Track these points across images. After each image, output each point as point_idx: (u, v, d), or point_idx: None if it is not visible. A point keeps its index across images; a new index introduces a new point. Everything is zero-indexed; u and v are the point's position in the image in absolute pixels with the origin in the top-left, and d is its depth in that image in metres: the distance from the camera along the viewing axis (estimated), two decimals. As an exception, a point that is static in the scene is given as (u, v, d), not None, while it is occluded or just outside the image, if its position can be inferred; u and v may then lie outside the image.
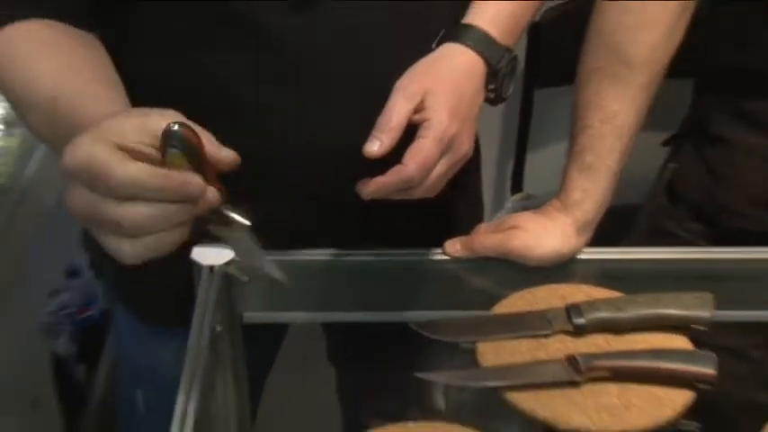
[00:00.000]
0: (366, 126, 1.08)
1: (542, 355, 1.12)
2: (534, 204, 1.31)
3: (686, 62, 1.28)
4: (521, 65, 1.26)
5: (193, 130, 0.82)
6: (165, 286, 1.14)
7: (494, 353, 1.13)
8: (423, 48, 1.17)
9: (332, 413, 1.42)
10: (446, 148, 1.10)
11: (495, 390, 1.06)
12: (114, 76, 1.05)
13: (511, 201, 2.29)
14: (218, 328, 1.10)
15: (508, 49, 1.19)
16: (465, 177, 1.27)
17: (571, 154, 1.25)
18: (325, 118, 1.16)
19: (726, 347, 1.12)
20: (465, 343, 1.15)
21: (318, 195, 1.18)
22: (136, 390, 1.39)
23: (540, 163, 2.26)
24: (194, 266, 1.14)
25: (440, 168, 1.10)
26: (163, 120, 0.81)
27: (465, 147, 1.14)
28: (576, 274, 1.25)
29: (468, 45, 1.16)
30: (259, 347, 1.19)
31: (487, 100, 1.20)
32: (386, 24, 1.15)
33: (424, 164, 1.07)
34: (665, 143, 1.53)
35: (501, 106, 2.07)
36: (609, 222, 1.27)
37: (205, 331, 1.08)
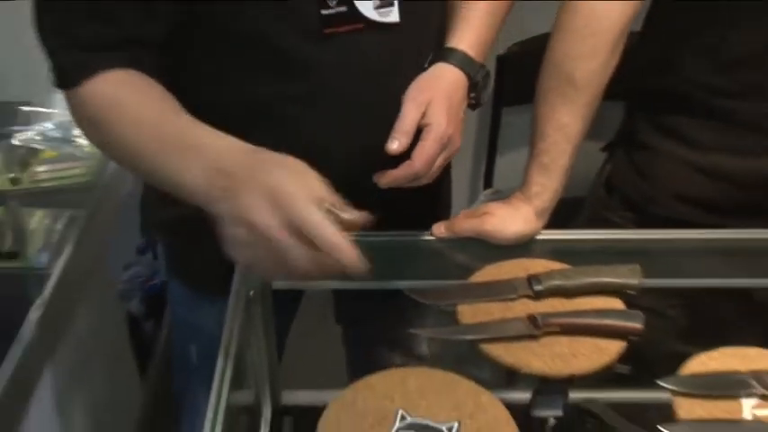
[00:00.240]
0: (374, 133, 1.09)
1: (509, 315, 1.11)
2: (502, 197, 1.31)
3: (618, 87, 1.28)
4: (491, 87, 1.26)
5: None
6: (208, 263, 1.12)
7: (470, 313, 1.12)
8: (417, 69, 1.17)
9: (340, 362, 1.41)
10: (444, 146, 1.13)
11: (471, 342, 1.06)
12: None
13: (483, 194, 2.29)
14: (252, 294, 1.10)
15: (483, 66, 1.21)
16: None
17: (531, 156, 1.26)
18: (342, 128, 1.15)
19: (649, 308, 1.11)
20: (447, 305, 1.14)
21: (336, 190, 1.16)
22: (186, 345, 1.39)
23: (505, 165, 2.28)
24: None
25: (439, 162, 1.13)
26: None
27: (456, 144, 1.16)
28: (535, 251, 1.25)
29: (453, 64, 1.18)
30: (283, 309, 1.18)
31: (469, 106, 1.21)
32: (389, 53, 1.14)
33: (428, 160, 1.10)
34: (604, 149, 1.53)
35: (475, 120, 2.08)
36: (561, 210, 1.29)
37: (241, 297, 1.09)
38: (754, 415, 0.99)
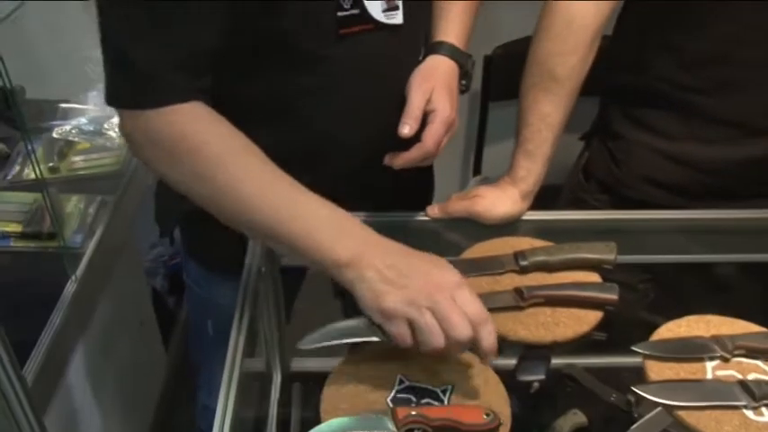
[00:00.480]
0: (380, 122, 1.11)
1: (497, 288, 1.10)
2: (489, 182, 1.30)
3: (594, 84, 1.28)
4: (478, 86, 1.27)
5: None
6: (221, 246, 1.12)
7: (462, 286, 1.10)
8: (415, 64, 1.17)
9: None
10: (448, 128, 1.13)
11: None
12: None
13: (473, 180, 2.30)
14: (263, 270, 1.09)
15: (469, 55, 1.22)
16: None
17: (517, 144, 1.26)
18: (353, 118, 1.14)
19: (622, 281, 1.11)
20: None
21: (348, 174, 1.17)
22: (203, 320, 1.37)
23: (492, 154, 2.26)
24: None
25: (444, 142, 1.14)
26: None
27: (455, 126, 1.16)
28: (521, 230, 1.25)
29: (445, 55, 1.19)
30: (289, 282, 1.17)
31: (460, 91, 1.21)
32: (393, 50, 1.13)
33: (437, 141, 1.11)
34: (581, 138, 1.52)
35: (466, 114, 2.07)
36: (543, 195, 1.28)
37: (253, 273, 1.08)
38: (715, 375, 1.00)
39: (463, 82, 1.21)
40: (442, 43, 1.20)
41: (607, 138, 1.42)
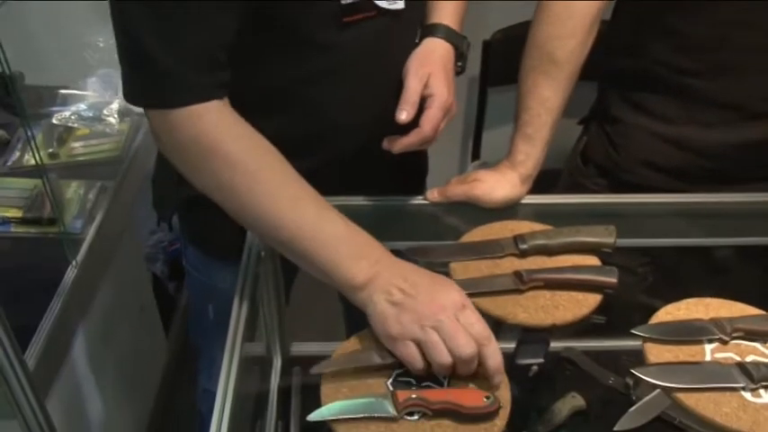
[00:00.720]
0: (383, 106, 1.11)
1: (497, 271, 1.10)
2: (488, 167, 1.29)
3: (592, 69, 1.27)
4: (476, 71, 1.26)
5: None
6: (221, 232, 1.12)
7: (462, 270, 1.11)
8: (410, 46, 1.17)
9: (337, 315, 1.40)
10: (446, 112, 1.14)
11: (463, 296, 1.03)
12: None
13: (471, 165, 2.30)
14: (263, 254, 1.09)
15: (464, 36, 1.21)
16: None
17: (516, 128, 1.25)
18: (357, 103, 1.14)
19: (621, 265, 1.10)
20: (441, 263, 1.12)
21: (349, 159, 1.17)
22: (203, 305, 1.37)
23: (491, 139, 2.26)
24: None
25: (442, 126, 1.14)
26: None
27: (454, 110, 1.16)
28: (520, 213, 1.24)
29: (441, 37, 1.19)
30: (288, 267, 1.17)
31: (456, 73, 1.21)
32: (395, 35, 1.13)
33: (435, 125, 1.12)
34: (579, 122, 1.51)
35: (465, 99, 2.06)
36: (542, 180, 1.28)
37: (252, 258, 1.08)
38: (714, 357, 1.00)
39: (459, 63, 1.21)
40: (437, 25, 1.19)
41: (605, 122, 1.41)
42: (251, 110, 0.98)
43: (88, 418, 1.64)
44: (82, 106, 1.87)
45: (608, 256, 1.13)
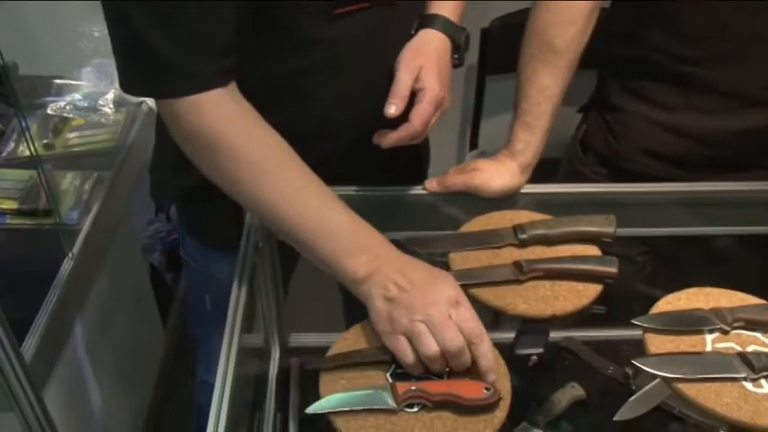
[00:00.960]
0: (374, 99, 1.09)
1: (496, 262, 1.10)
2: (486, 157, 1.28)
3: (592, 57, 1.27)
4: (475, 59, 1.25)
5: None
6: (219, 222, 1.14)
7: (461, 260, 1.10)
8: (406, 38, 1.15)
9: (336, 306, 1.39)
10: (437, 107, 1.11)
11: (462, 286, 1.02)
12: None
13: (469, 155, 2.29)
14: (261, 245, 1.09)
15: (463, 28, 1.19)
16: None
17: (515, 116, 1.24)
18: (350, 96, 1.13)
19: (620, 254, 1.10)
20: (440, 253, 1.12)
21: (344, 151, 1.16)
22: (201, 295, 1.37)
23: (489, 128, 2.25)
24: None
25: (433, 121, 1.12)
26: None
27: (447, 104, 1.14)
28: (519, 203, 1.23)
29: (438, 29, 1.16)
30: (286, 258, 1.17)
31: (453, 65, 1.19)
32: (389, 26, 1.12)
33: (425, 121, 1.09)
34: (579, 111, 1.51)
35: (463, 88, 2.06)
36: (542, 168, 1.28)
37: (250, 248, 1.08)
38: (715, 347, 1.00)
39: (456, 56, 1.19)
40: (435, 16, 1.17)
41: (605, 110, 1.41)
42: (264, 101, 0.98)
43: (86, 410, 1.64)
44: (77, 96, 1.86)
45: (607, 245, 1.13)
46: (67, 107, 1.84)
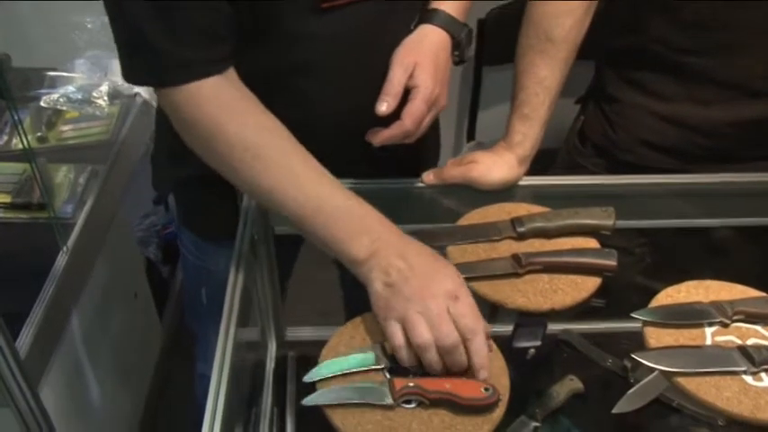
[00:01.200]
0: (369, 96, 1.07)
1: (494, 255, 1.09)
2: (483, 148, 1.28)
3: (589, 47, 1.26)
4: (472, 50, 1.24)
5: None
6: (216, 213, 1.14)
7: (459, 253, 1.10)
8: (406, 34, 1.13)
9: (338, 302, 1.39)
10: (431, 105, 1.10)
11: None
12: None
13: (467, 146, 2.29)
14: (257, 238, 1.09)
15: (465, 25, 1.17)
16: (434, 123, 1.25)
17: (513, 108, 1.24)
18: (343, 93, 1.11)
19: (619, 247, 1.10)
20: (437, 246, 1.10)
21: (338, 144, 1.13)
22: (197, 288, 1.36)
23: (486, 119, 2.25)
24: (238, 195, 1.13)
25: (427, 120, 1.10)
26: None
27: (442, 102, 1.13)
28: (517, 195, 1.23)
29: (438, 25, 1.14)
30: (285, 253, 1.16)
31: (454, 63, 1.17)
32: (383, 20, 1.09)
33: (417, 119, 1.08)
34: (577, 102, 1.51)
35: (459, 79, 2.05)
36: (540, 160, 1.27)
37: (246, 240, 1.07)
38: (715, 341, 0.99)
39: (456, 53, 1.17)
40: (435, 11, 1.15)
41: (603, 101, 1.41)
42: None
43: (82, 405, 1.64)
44: (70, 88, 1.86)
45: (605, 237, 1.13)
46: (61, 99, 1.83)
